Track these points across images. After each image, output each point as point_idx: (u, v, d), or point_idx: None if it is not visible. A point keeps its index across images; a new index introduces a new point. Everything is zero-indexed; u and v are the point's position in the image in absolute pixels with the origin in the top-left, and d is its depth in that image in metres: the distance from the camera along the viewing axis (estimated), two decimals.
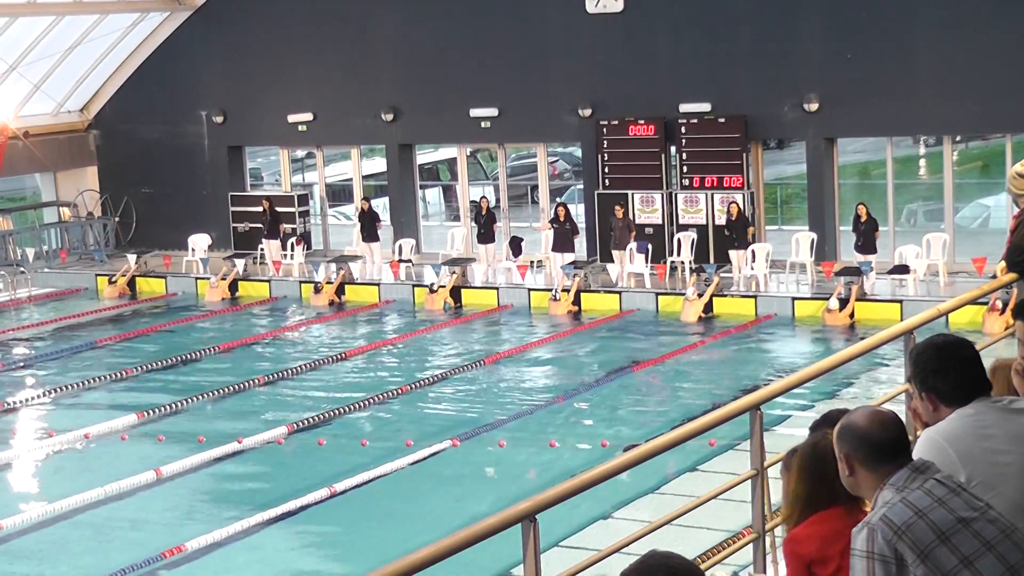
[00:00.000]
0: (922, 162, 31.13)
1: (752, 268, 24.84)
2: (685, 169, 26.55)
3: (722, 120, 26.06)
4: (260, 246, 29.65)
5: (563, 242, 26.54)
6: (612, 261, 25.94)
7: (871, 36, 24.94)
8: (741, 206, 25.39)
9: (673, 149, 26.83)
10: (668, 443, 5.71)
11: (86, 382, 21.47)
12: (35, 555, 14.38)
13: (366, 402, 19.40)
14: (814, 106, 25.38)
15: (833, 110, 25.36)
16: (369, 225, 28.72)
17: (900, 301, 22.95)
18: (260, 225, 29.87)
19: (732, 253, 25.23)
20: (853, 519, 4.52)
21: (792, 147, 29.85)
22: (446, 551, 4.66)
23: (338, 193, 33.54)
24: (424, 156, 32.64)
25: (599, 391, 19.82)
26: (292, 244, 29.33)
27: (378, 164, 32.19)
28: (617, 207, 26.23)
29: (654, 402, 19.39)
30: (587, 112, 27.45)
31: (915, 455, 4.08)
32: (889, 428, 3.99)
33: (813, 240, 25.25)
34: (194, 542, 13.97)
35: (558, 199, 29.67)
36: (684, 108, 26.41)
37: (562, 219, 26.60)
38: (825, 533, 4.88)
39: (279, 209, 29.87)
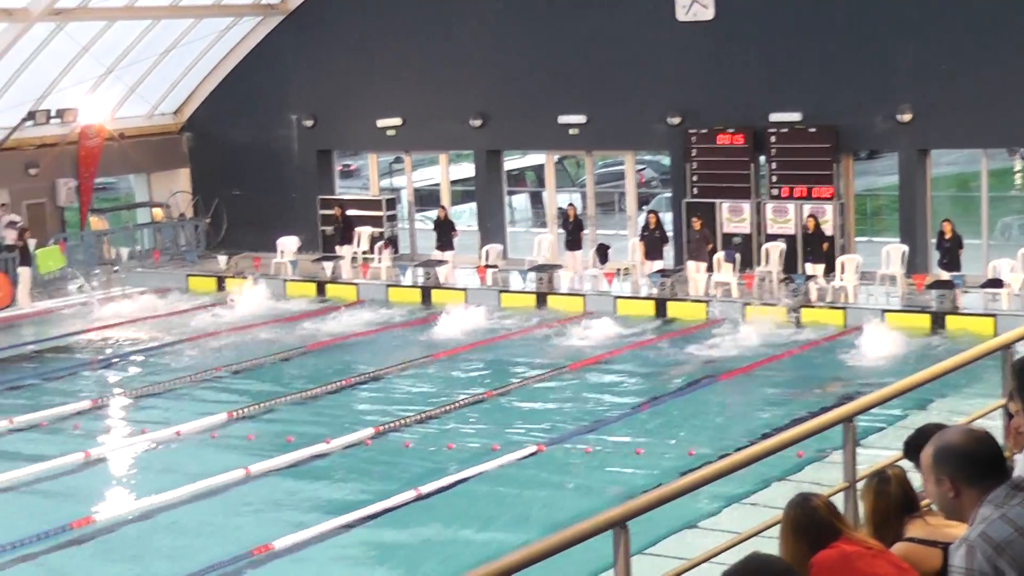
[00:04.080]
0: (1018, 175, 30.72)
1: (841, 279, 24.64)
2: (774, 179, 26.40)
3: (813, 130, 25.89)
4: (335, 251, 29.90)
5: (653, 249, 26.53)
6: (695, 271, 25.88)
7: (966, 46, 24.65)
8: (818, 220, 25.25)
9: (763, 159, 26.69)
10: (760, 453, 5.71)
11: (178, 380, 21.79)
12: (125, 550, 14.58)
13: (452, 406, 19.49)
14: (907, 117, 25.13)
15: (926, 121, 25.09)
16: (444, 234, 28.92)
17: (994, 315, 22.65)
18: (332, 229, 30.26)
19: (809, 266, 25.13)
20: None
21: (883, 157, 29.58)
22: (539, 555, 4.69)
23: (425, 198, 33.72)
24: (511, 162, 32.73)
25: (684, 399, 19.75)
26: (379, 248, 29.54)
27: (466, 169, 32.34)
28: (694, 219, 26.19)
29: (740, 412, 19.27)
30: (676, 120, 27.38)
31: (1017, 472, 4.04)
32: (989, 443, 3.96)
33: (904, 252, 24.99)
34: (281, 541, 14.08)
35: (645, 207, 29.65)
36: (774, 118, 26.26)
37: (652, 227, 26.58)
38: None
39: (357, 213, 30.20)
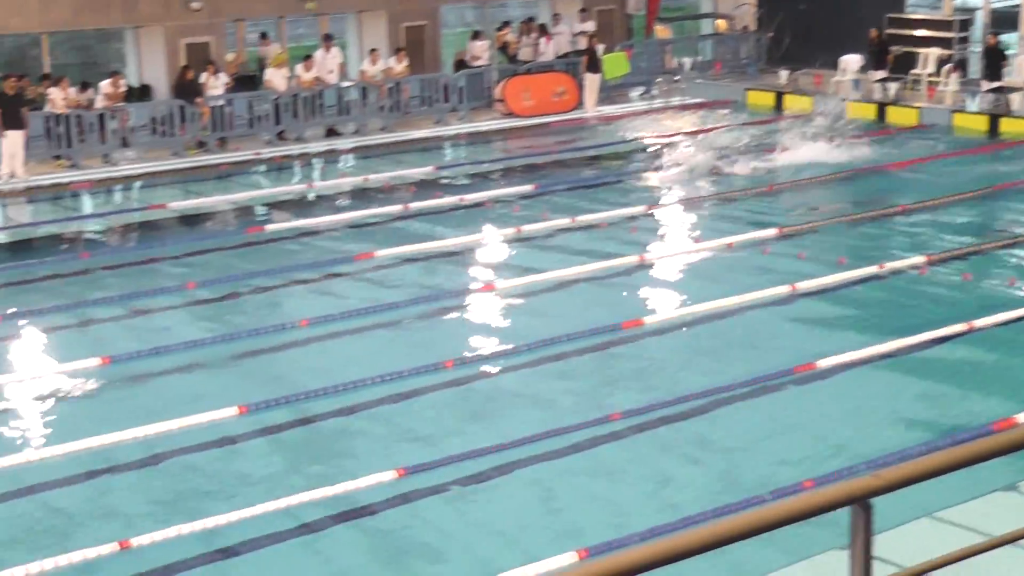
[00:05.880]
0: None
1: None
2: None
3: None
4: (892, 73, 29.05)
5: None
6: None
7: None
8: None
9: None
10: None
11: (732, 193, 22.03)
12: (671, 354, 14.87)
13: (1015, 239, 18.58)
14: None
15: None
16: (993, 63, 27.28)
17: None
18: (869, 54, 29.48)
19: None
20: None
21: None
22: None
23: (1002, 19, 31.84)
24: None
25: None
26: (947, 71, 28.32)
27: None
28: None
29: None
30: None
31: None
32: None
33: None
34: (825, 361, 13.92)
35: None
36: None
37: None
38: None
39: (927, 34, 28.93)
